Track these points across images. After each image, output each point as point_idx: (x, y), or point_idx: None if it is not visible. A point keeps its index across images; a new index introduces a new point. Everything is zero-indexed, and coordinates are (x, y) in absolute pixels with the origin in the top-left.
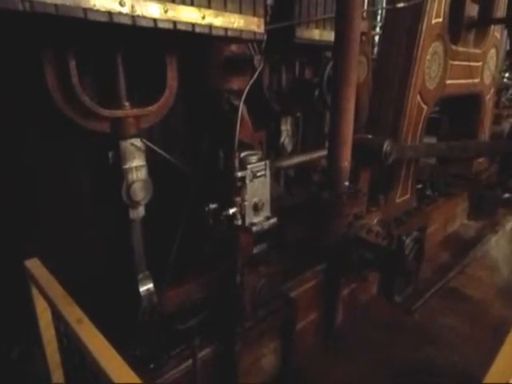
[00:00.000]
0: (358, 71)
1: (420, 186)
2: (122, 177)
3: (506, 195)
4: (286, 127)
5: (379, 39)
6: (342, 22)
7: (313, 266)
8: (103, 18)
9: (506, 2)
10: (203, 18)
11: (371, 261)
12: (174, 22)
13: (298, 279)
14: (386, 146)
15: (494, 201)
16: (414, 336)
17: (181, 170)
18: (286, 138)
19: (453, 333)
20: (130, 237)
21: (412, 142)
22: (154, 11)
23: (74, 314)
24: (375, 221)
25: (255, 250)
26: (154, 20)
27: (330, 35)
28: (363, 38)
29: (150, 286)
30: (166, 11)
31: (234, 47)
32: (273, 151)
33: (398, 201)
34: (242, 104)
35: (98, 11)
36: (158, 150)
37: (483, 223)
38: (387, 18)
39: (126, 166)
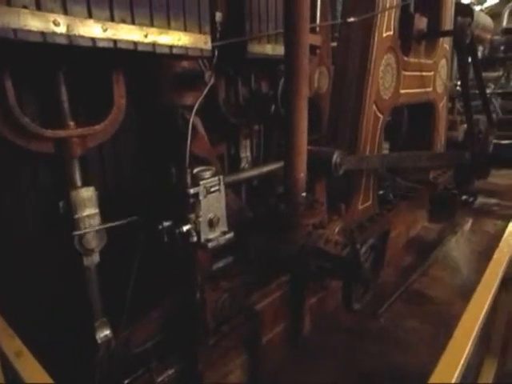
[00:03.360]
0: (320, 82)
1: (381, 191)
2: (73, 226)
3: (463, 197)
4: (244, 140)
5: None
6: (290, 36)
7: (277, 278)
8: (35, 38)
9: (453, 15)
10: (146, 36)
11: (329, 270)
12: (115, 41)
13: (262, 292)
14: (336, 157)
15: (452, 203)
16: (379, 341)
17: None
18: (244, 151)
19: (416, 335)
20: (85, 284)
21: (371, 151)
22: (92, 30)
23: (13, 346)
24: (337, 229)
25: (218, 265)
26: (93, 39)
27: (282, 50)
28: (318, 51)
29: (108, 332)
30: (105, 30)
31: (185, 63)
32: (233, 164)
33: (360, 208)
34: (192, 119)
35: (29, 31)
36: None
37: (443, 225)
38: (341, 32)
39: (78, 216)
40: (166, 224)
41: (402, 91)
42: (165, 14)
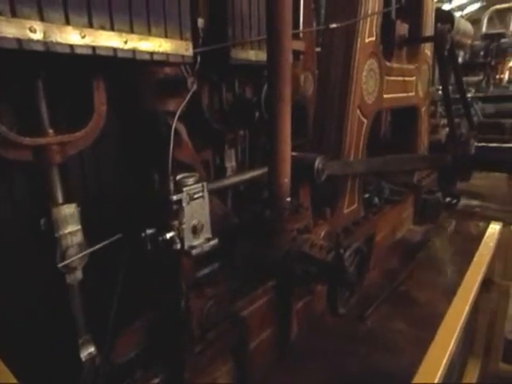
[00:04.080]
0: (306, 86)
1: (367, 195)
2: (55, 244)
3: (447, 200)
4: (229, 146)
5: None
6: (272, 43)
7: (264, 283)
8: (11, 45)
9: (433, 22)
10: (125, 42)
11: (314, 274)
12: (93, 48)
13: (248, 297)
14: (318, 163)
15: (436, 205)
16: (366, 343)
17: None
18: (229, 157)
19: (403, 337)
20: (68, 302)
21: (355, 155)
22: (70, 37)
23: None
24: (322, 233)
25: (204, 272)
26: (71, 46)
27: (265, 55)
28: (301, 56)
29: (92, 349)
30: (83, 37)
31: (167, 69)
32: (218, 170)
33: (345, 211)
34: (174, 125)
35: (4, 38)
36: None
37: (428, 227)
38: (324, 38)
39: (60, 233)
40: (149, 232)
41: (386, 96)
42: (145, 21)
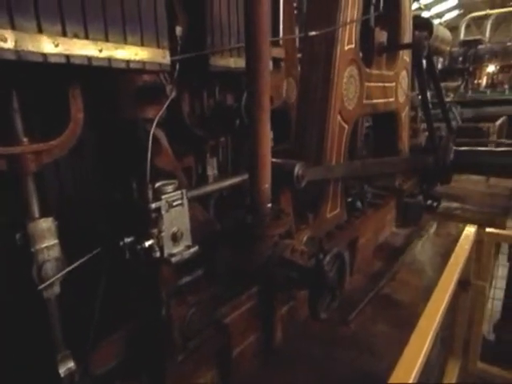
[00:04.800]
0: (288, 92)
1: (349, 199)
2: (31, 258)
3: (428, 202)
4: (211, 152)
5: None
6: (251, 50)
7: (247, 289)
8: None
9: (411, 29)
10: (100, 51)
11: (295, 280)
12: (67, 56)
13: (232, 304)
14: (298, 169)
15: (417, 208)
16: (350, 346)
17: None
18: (211, 163)
19: (386, 339)
20: (46, 317)
21: (337, 160)
22: (42, 46)
23: None
24: (305, 238)
25: (187, 279)
26: (44, 55)
27: (244, 63)
28: (282, 63)
29: (71, 365)
30: (56, 45)
31: (146, 76)
32: (201, 176)
33: (328, 216)
34: (152, 132)
35: None
36: None
37: (410, 230)
38: (304, 45)
39: (36, 248)
40: (128, 240)
41: (366, 101)
42: (120, 29)
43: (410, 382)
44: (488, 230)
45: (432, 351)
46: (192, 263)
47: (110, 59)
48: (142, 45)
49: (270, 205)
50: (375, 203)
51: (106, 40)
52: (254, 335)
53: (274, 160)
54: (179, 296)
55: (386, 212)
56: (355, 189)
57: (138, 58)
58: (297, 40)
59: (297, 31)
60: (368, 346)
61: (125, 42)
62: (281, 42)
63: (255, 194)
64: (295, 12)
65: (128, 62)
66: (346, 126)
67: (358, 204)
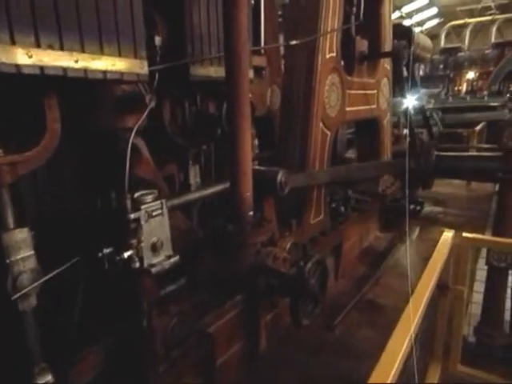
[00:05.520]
0: (273, 99)
1: (333, 205)
2: (6, 270)
3: (411, 207)
4: (193, 161)
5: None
6: (230, 60)
7: (231, 298)
8: None
9: (391, 38)
10: (76, 62)
11: (277, 288)
12: (41, 67)
13: (216, 312)
14: (280, 176)
15: (400, 213)
16: (335, 352)
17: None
18: (194, 172)
19: (370, 343)
20: (22, 329)
21: (320, 167)
22: (16, 57)
23: None
24: (288, 245)
25: (170, 288)
26: (17, 66)
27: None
28: (263, 71)
29: (49, 378)
30: (30, 56)
31: (125, 86)
32: (183, 185)
33: (312, 222)
34: (131, 141)
35: None
36: None
37: (393, 234)
38: (286, 54)
39: (11, 259)
40: (107, 251)
41: (348, 109)
42: (97, 40)
43: (389, 382)
44: (465, 234)
45: (411, 353)
46: (175, 272)
47: (86, 70)
48: (120, 55)
49: (251, 213)
50: (359, 208)
51: (82, 51)
52: (239, 343)
53: (256, 167)
54: (161, 306)
55: (370, 217)
56: (339, 194)
57: (115, 68)
58: (282, 48)
59: (282, 39)
60: (352, 350)
61: (101, 52)
62: (262, 50)
63: (237, 202)
64: (280, 20)
65: (105, 72)
66: (329, 133)
67: (342, 209)
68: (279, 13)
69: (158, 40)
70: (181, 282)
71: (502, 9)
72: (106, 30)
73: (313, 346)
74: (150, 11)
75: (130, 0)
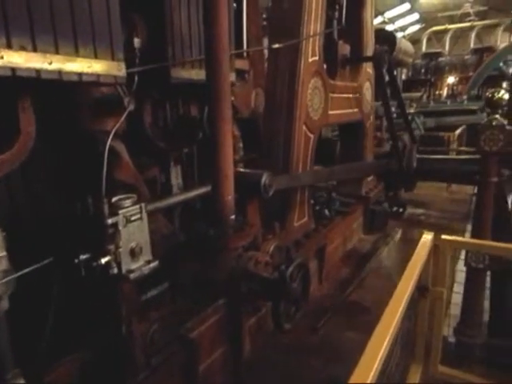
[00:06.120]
0: (257, 102)
1: (317, 207)
2: None
3: (394, 209)
4: (175, 163)
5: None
6: (211, 63)
7: (213, 302)
8: None
9: (373, 43)
10: (50, 63)
11: (259, 292)
12: (13, 69)
13: (198, 318)
14: (265, 179)
15: (383, 215)
16: (320, 354)
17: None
18: (176, 174)
19: (354, 345)
20: None
21: (303, 169)
22: None
23: None
24: (271, 248)
25: (153, 293)
26: None
27: None
28: (246, 75)
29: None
30: (1, 57)
31: (104, 88)
32: (165, 188)
33: (295, 225)
34: (108, 144)
35: None
36: None
37: (377, 236)
38: (270, 57)
39: None
40: (83, 257)
41: (331, 112)
42: (72, 41)
43: (368, 382)
44: (443, 237)
45: (392, 354)
46: (156, 277)
47: (60, 72)
48: (96, 57)
49: (233, 216)
50: (343, 211)
51: (56, 52)
52: (222, 348)
53: (241, 170)
54: (141, 312)
55: (354, 219)
56: (323, 197)
57: (91, 70)
58: (266, 51)
59: (266, 42)
60: (337, 352)
61: (76, 54)
62: (245, 53)
63: (218, 206)
64: (264, 23)
65: (80, 74)
66: (312, 136)
67: (326, 212)
68: (264, 16)
69: (137, 42)
70: (162, 287)
71: (481, 15)
72: (81, 31)
73: (297, 348)
74: (128, 12)
75: (106, 1)
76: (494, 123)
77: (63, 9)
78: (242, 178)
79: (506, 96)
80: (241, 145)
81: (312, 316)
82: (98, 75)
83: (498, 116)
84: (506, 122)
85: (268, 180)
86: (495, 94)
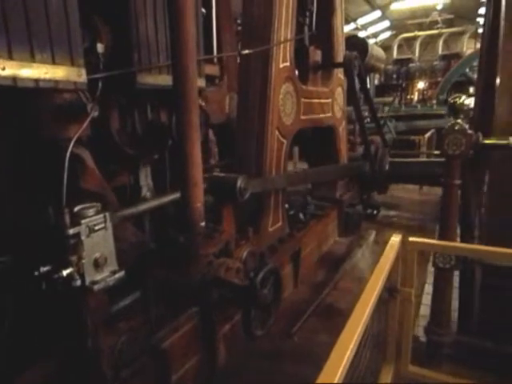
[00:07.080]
0: (231, 107)
1: (292, 211)
2: None
3: (368, 211)
4: (144, 170)
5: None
6: (177, 70)
7: (186, 310)
8: None
9: (344, 49)
10: (3, 69)
11: (230, 299)
12: None
13: (170, 326)
14: (240, 182)
15: (357, 218)
16: (294, 359)
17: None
18: (145, 181)
19: (329, 349)
20: None
21: (277, 173)
22: None
23: None
24: (245, 254)
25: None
26: None
27: None
28: (217, 80)
29: None
30: None
31: (66, 94)
32: (134, 195)
33: (270, 230)
34: (69, 151)
35: None
36: None
37: (352, 238)
38: (241, 62)
39: None
40: (44, 269)
41: (303, 117)
42: (27, 47)
43: (335, 381)
44: (411, 239)
45: (361, 354)
46: (127, 287)
47: (15, 78)
48: (54, 63)
49: (203, 223)
50: (317, 214)
51: (10, 58)
52: (196, 357)
53: (216, 174)
54: (109, 323)
55: (329, 222)
56: (298, 201)
57: (48, 76)
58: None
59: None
60: (312, 356)
61: (32, 59)
62: (216, 59)
63: (188, 213)
64: (239, 29)
65: (37, 80)
66: (285, 141)
67: (301, 216)
68: (238, 21)
69: (100, 47)
70: (133, 296)
71: (448, 23)
72: (36, 36)
73: (272, 353)
74: (91, 17)
75: (63, 5)
76: (456, 128)
77: (17, 12)
78: (217, 182)
79: (467, 101)
80: (216, 149)
81: (287, 320)
82: (57, 81)
83: (459, 121)
84: (467, 126)
85: (243, 183)
86: (457, 100)
